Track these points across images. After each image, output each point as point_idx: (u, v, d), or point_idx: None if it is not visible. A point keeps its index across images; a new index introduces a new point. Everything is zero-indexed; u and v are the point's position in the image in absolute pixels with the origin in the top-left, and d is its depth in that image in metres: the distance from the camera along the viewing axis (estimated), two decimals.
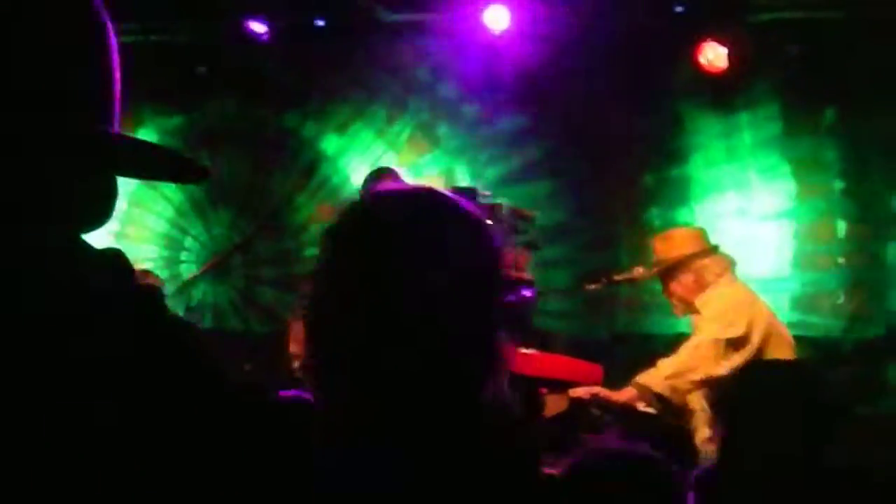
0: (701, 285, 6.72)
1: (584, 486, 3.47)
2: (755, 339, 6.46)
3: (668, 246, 6.86)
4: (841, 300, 9.25)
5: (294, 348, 7.32)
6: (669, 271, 6.81)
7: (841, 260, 9.30)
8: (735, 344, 6.43)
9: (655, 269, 6.91)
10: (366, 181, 7.57)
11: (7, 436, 1.38)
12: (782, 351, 6.56)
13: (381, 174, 7.68)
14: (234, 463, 1.48)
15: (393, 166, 8.81)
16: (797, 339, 6.99)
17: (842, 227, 9.31)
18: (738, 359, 6.41)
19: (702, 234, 7.00)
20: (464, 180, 9.68)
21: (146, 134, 10.24)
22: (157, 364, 1.47)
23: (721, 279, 6.72)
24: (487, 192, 9.08)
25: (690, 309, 6.77)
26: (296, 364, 7.32)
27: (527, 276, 7.55)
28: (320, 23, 9.83)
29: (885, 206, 9.22)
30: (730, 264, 6.82)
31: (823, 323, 9.20)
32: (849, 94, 9.18)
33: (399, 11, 9.71)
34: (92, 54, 1.49)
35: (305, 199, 10.35)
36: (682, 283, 6.78)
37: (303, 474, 1.58)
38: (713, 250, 6.85)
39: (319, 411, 1.83)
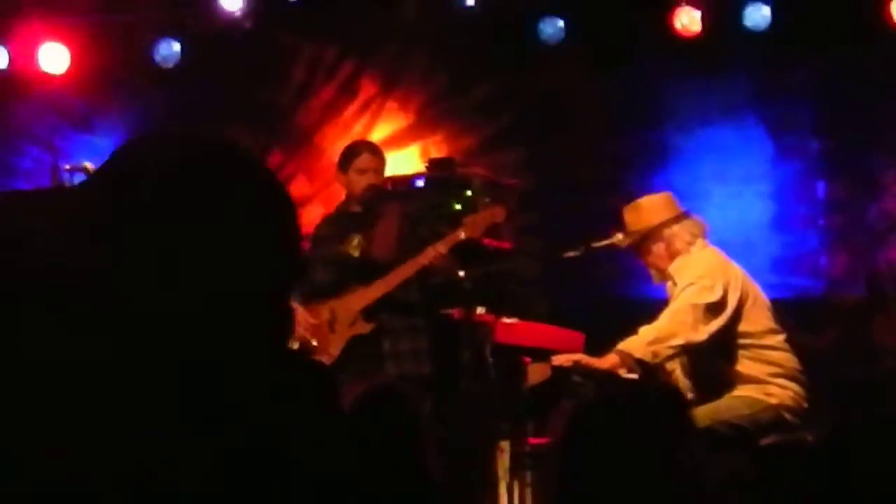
0: (672, 253, 6.71)
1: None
2: (732, 302, 6.48)
3: (637, 217, 6.82)
4: (821, 261, 9.25)
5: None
6: (641, 241, 6.79)
7: (820, 220, 9.29)
8: (713, 309, 6.44)
9: (626, 241, 6.88)
10: (344, 156, 7.54)
11: None
12: (759, 313, 6.57)
13: (358, 149, 7.63)
14: None
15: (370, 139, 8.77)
16: (778, 301, 6.99)
17: (821, 187, 9.30)
18: (716, 324, 6.42)
19: (670, 201, 6.94)
20: (439, 151, 9.62)
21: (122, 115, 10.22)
22: None
23: (692, 247, 6.71)
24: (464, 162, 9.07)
25: (665, 276, 6.76)
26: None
27: (507, 244, 7.54)
28: None
29: (863, 164, 9.21)
30: (701, 230, 6.79)
31: (804, 284, 9.20)
32: (823, 54, 9.14)
33: None
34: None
35: (287, 172, 10.28)
36: (653, 253, 6.77)
37: None
38: (683, 216, 6.82)
39: None
